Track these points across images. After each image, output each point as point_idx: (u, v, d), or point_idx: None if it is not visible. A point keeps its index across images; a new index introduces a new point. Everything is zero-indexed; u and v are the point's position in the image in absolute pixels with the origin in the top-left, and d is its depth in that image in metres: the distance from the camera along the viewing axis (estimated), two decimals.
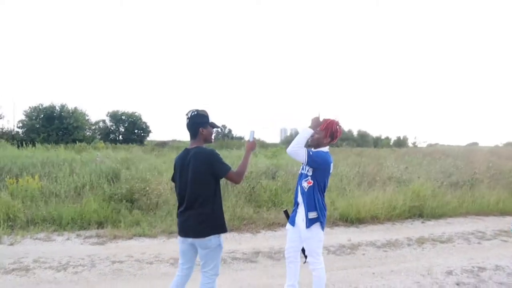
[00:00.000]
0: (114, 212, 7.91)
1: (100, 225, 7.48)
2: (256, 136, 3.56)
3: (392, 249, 6.39)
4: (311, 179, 3.65)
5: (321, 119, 3.81)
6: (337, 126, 3.81)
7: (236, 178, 3.26)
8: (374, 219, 8.23)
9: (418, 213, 8.84)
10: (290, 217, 3.96)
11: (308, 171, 3.71)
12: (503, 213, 9.58)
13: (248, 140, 3.58)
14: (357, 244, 6.59)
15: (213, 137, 3.45)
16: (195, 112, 3.33)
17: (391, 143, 58.52)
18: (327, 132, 3.76)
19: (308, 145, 3.74)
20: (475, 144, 56.35)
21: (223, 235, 3.32)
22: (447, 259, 5.90)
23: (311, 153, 3.62)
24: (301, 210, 3.75)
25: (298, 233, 3.80)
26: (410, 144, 56.73)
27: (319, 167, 3.65)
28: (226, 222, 3.38)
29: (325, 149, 3.80)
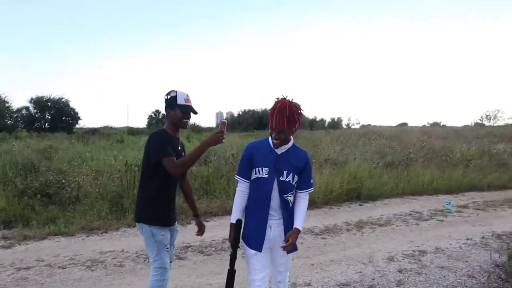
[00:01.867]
0: (27, 209, 6.98)
1: (8, 224, 6.56)
2: (226, 127, 2.80)
3: (331, 236, 6.09)
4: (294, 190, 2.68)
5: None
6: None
7: (171, 167, 2.78)
8: (311, 203, 7.92)
9: (355, 195, 8.70)
10: (251, 237, 2.71)
11: (293, 178, 2.61)
12: (436, 191, 9.73)
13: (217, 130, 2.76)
14: None
15: (184, 121, 2.98)
16: (168, 93, 3.00)
17: (326, 125, 59.92)
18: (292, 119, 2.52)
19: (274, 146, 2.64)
20: (405, 124, 59.08)
21: (156, 228, 2.92)
22: (387, 244, 5.69)
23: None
24: (278, 226, 2.67)
25: (269, 255, 2.72)
26: (344, 126, 58.51)
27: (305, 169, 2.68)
28: (164, 216, 2.99)
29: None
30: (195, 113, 3.03)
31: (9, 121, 39.34)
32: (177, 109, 2.93)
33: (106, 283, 4.34)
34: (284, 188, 2.58)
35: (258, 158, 2.62)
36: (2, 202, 6.93)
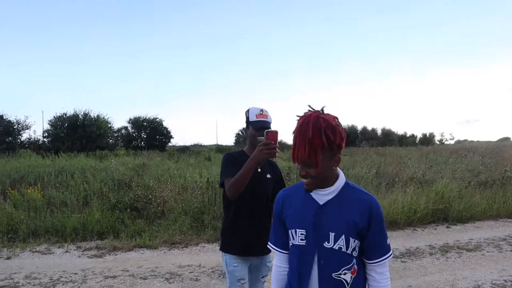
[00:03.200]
0: (118, 222, 7.56)
1: (101, 235, 7.14)
2: (279, 137, 2.42)
3: (411, 260, 5.77)
4: (356, 263, 1.68)
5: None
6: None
7: (226, 189, 2.58)
8: (393, 224, 7.60)
9: (442, 216, 8.16)
10: None
11: (347, 243, 1.64)
12: None
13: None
14: None
15: (258, 139, 2.59)
16: (246, 112, 2.77)
17: (417, 141, 57.08)
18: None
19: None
20: (507, 139, 54.45)
21: (230, 257, 2.68)
22: (474, 271, 5.26)
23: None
24: None
25: None
26: (436, 142, 55.24)
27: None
28: (240, 245, 2.67)
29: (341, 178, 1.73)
30: (269, 128, 2.66)
31: (111, 140, 42.79)
32: (250, 126, 2.70)
33: None
34: (333, 261, 1.60)
35: (290, 214, 1.71)
36: (97, 214, 7.56)
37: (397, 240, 6.81)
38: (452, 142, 56.73)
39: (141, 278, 5.14)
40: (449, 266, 5.48)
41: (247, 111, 2.74)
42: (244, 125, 2.80)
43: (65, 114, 39.60)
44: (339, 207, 1.63)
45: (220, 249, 2.77)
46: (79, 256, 6.15)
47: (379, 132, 57.60)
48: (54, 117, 39.45)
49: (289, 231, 1.71)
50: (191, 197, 8.38)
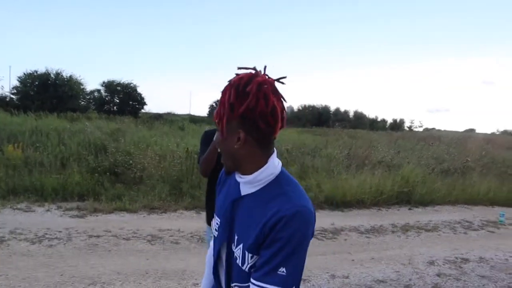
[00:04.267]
0: (97, 185, 7.76)
1: (82, 197, 7.34)
2: None
3: (375, 236, 6.28)
4: None
5: None
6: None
7: (199, 168, 2.84)
8: (360, 203, 8.12)
9: (406, 199, 8.74)
10: None
11: (242, 253, 1.21)
12: (492, 202, 9.50)
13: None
14: (340, 228, 6.48)
15: None
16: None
17: (387, 126, 58.53)
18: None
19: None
20: (472, 130, 56.44)
21: (208, 228, 3.00)
22: (430, 249, 5.80)
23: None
24: None
25: None
26: (406, 128, 56.77)
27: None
28: (208, 214, 3.02)
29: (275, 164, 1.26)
30: None
31: (83, 102, 42.00)
32: None
33: (163, 256, 4.87)
34: (233, 269, 1.25)
35: (220, 194, 1.39)
36: (77, 177, 7.73)
37: (363, 218, 7.33)
38: (421, 129, 58.43)
39: (124, 238, 5.42)
40: (408, 243, 6.02)
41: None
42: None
43: (36, 72, 38.47)
44: (254, 208, 1.18)
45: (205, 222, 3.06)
46: (61, 216, 6.36)
47: (351, 114, 58.73)
48: (24, 73, 38.24)
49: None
50: (170, 165, 8.63)
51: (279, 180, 1.19)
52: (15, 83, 39.24)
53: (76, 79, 40.12)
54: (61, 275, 4.12)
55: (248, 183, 1.21)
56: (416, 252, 5.55)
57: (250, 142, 1.17)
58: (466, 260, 5.36)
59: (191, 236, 5.67)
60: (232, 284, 1.26)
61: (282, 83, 1.19)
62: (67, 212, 6.53)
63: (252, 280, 1.13)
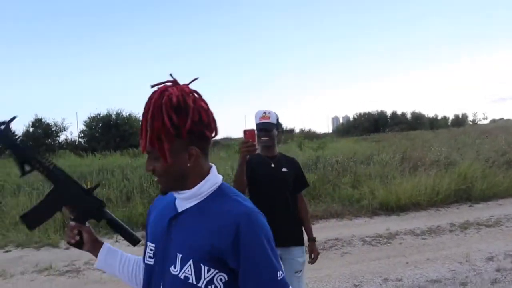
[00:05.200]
0: None
1: (144, 227, 7.83)
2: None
3: (431, 236, 6.19)
4: None
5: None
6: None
7: None
8: (417, 205, 7.99)
9: (465, 196, 8.48)
10: None
11: (197, 273, 1.10)
12: None
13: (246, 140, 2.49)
14: (395, 233, 6.45)
15: (261, 139, 2.80)
16: None
17: (449, 123, 56.10)
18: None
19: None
20: None
21: None
22: (490, 244, 5.64)
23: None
24: None
25: None
26: (469, 122, 54.13)
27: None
28: None
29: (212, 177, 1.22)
30: (268, 130, 2.80)
31: None
32: (256, 128, 2.80)
33: None
34: None
35: (151, 220, 1.34)
36: (140, 208, 8.29)
37: (419, 220, 7.23)
38: (487, 121, 55.38)
39: None
40: (466, 241, 5.88)
41: (255, 114, 2.91)
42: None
43: (99, 115, 41.00)
44: (198, 220, 1.14)
45: None
46: (128, 245, 6.79)
47: (408, 116, 56.92)
48: (89, 117, 40.85)
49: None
50: None
51: (223, 189, 1.18)
52: (82, 127, 42.02)
53: (135, 116, 42.38)
54: None
55: (190, 197, 1.16)
56: (474, 249, 5.42)
57: (199, 156, 1.14)
58: None
59: None
60: None
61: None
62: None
63: None
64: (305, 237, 2.92)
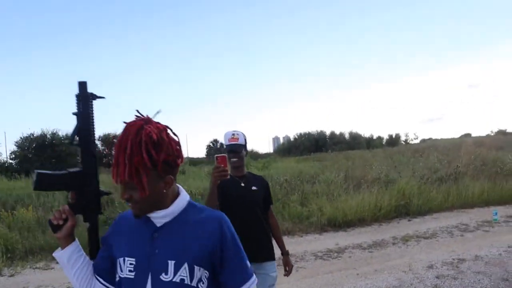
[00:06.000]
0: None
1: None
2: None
3: (377, 249, 6.64)
4: None
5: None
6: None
7: None
8: (362, 221, 8.50)
9: (404, 211, 9.12)
10: None
11: (191, 274, 1.31)
12: (487, 203, 9.90)
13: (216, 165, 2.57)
14: (344, 247, 6.84)
15: (231, 160, 2.92)
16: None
17: (383, 143, 58.94)
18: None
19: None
20: (468, 135, 56.71)
21: None
22: (429, 254, 6.17)
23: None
24: None
25: None
26: (402, 142, 57.18)
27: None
28: None
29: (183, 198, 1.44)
30: (237, 152, 2.92)
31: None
32: (225, 149, 2.97)
33: None
34: None
35: (121, 238, 1.40)
36: (84, 231, 8.10)
37: (364, 235, 7.70)
38: (417, 141, 58.71)
39: None
40: (408, 252, 6.38)
41: (224, 135, 3.00)
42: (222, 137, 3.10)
43: (32, 135, 39.09)
44: (182, 230, 1.33)
45: None
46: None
47: (347, 135, 59.22)
48: (21, 138, 38.70)
49: (117, 260, 1.36)
50: None
51: (192, 203, 1.41)
52: (12, 147, 39.79)
53: None
54: None
55: (166, 216, 1.34)
56: (416, 259, 5.91)
57: (172, 181, 1.34)
58: (462, 260, 5.72)
59: None
60: None
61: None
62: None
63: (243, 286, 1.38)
64: (277, 251, 3.06)
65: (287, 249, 3.13)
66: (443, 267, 5.48)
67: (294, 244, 7.20)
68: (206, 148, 63.59)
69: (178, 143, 1.34)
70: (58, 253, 1.49)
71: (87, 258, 1.49)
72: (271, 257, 2.98)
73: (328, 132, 59.35)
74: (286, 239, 7.72)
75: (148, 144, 1.24)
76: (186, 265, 1.28)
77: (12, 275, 6.53)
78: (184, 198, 1.38)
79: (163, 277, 1.28)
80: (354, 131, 59.81)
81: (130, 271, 1.33)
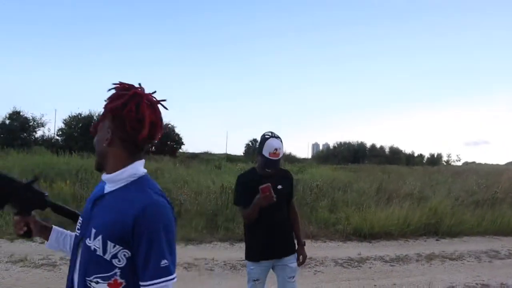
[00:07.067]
0: None
1: None
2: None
3: (399, 264, 6.55)
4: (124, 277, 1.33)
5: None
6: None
7: (243, 217, 3.17)
8: (388, 235, 8.37)
9: (433, 230, 8.91)
10: None
11: (104, 246, 1.31)
12: None
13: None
14: (366, 258, 6.79)
15: (266, 171, 3.00)
16: (264, 134, 3.03)
17: (424, 161, 57.46)
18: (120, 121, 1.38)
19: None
20: None
21: (249, 263, 3.09)
22: (452, 275, 6.03)
23: None
24: None
25: None
26: (443, 162, 55.53)
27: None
28: (256, 251, 3.05)
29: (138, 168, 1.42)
30: (275, 169, 3.00)
31: None
32: (261, 158, 2.97)
33: (199, 280, 5.37)
34: (88, 263, 1.33)
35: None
36: None
37: (389, 248, 7.60)
38: (459, 163, 56.94)
39: None
40: (431, 271, 6.26)
41: (264, 140, 2.96)
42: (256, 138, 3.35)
43: (80, 115, 40.67)
44: (114, 203, 1.34)
45: (246, 258, 3.15)
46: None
47: (387, 150, 58.16)
48: (69, 116, 40.39)
49: None
50: (206, 200, 9.24)
51: (141, 181, 1.37)
52: (60, 125, 41.48)
53: None
54: None
55: (109, 181, 1.38)
56: (437, 279, 5.79)
57: (117, 143, 1.36)
58: (486, 286, 5.57)
59: (224, 264, 6.14)
60: (89, 278, 1.31)
61: (164, 106, 1.43)
62: None
63: (141, 283, 1.28)
64: None
65: (303, 241, 3.22)
66: None
67: (317, 249, 7.21)
68: (245, 147, 64.17)
69: (143, 114, 1.33)
70: (47, 245, 1.64)
71: (73, 233, 1.59)
72: (293, 250, 3.11)
73: (368, 144, 58.61)
74: (309, 243, 7.76)
75: (116, 91, 1.37)
76: (100, 237, 1.29)
77: (42, 242, 6.87)
78: (131, 171, 1.36)
79: (88, 241, 1.33)
80: (395, 146, 58.83)
81: (78, 229, 1.44)
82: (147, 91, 1.39)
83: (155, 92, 1.41)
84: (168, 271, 1.29)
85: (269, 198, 2.74)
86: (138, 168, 1.38)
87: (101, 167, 1.42)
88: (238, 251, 6.90)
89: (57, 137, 40.49)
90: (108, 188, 1.39)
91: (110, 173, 1.37)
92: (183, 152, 44.94)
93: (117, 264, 1.29)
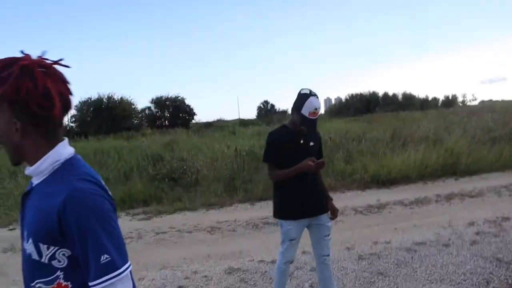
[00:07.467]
0: (158, 190, 8.57)
1: (146, 203, 8.15)
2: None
3: (418, 206, 6.59)
4: (70, 279, 1.16)
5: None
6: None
7: (270, 177, 3.11)
8: (406, 179, 8.39)
9: (451, 170, 8.88)
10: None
11: (37, 248, 1.14)
12: None
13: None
14: (385, 203, 6.84)
15: (302, 128, 2.93)
16: (301, 91, 2.94)
17: (439, 104, 56.61)
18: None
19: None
20: None
21: (286, 222, 3.04)
22: (472, 212, 6.04)
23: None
24: None
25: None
26: (459, 103, 54.69)
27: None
28: (291, 210, 3.01)
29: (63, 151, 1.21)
30: (314, 129, 2.97)
31: (136, 121, 44.18)
32: (298, 116, 2.89)
33: (222, 242, 5.49)
34: (28, 268, 1.19)
35: None
36: (140, 186, 8.59)
37: (407, 192, 7.63)
38: (476, 103, 56.03)
39: (186, 232, 6.11)
40: (451, 210, 6.28)
41: (303, 98, 2.86)
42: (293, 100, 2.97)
43: (90, 99, 40.98)
44: (38, 199, 1.16)
45: (274, 216, 3.14)
46: (130, 220, 7.15)
47: (400, 97, 57.25)
48: (80, 102, 40.76)
49: None
50: (222, 165, 9.32)
51: (64, 168, 1.17)
52: (73, 112, 41.92)
53: (126, 99, 42.33)
54: (137, 263, 4.82)
55: (33, 174, 1.19)
56: (457, 217, 5.82)
57: (29, 131, 1.14)
58: (506, 219, 5.57)
59: (247, 224, 6.25)
60: (34, 283, 1.17)
61: (64, 65, 1.18)
62: (135, 216, 7.32)
63: (90, 282, 1.09)
64: None
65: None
66: (485, 225, 5.37)
67: (336, 200, 7.05)
68: (257, 110, 64.03)
69: (44, 88, 1.10)
70: None
71: None
72: (326, 209, 3.12)
73: (381, 93, 57.74)
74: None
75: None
76: (31, 240, 1.13)
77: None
78: (53, 158, 1.16)
79: (25, 245, 1.18)
80: (408, 92, 57.82)
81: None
82: (33, 56, 1.14)
83: (45, 52, 1.16)
84: (112, 266, 1.09)
85: (313, 169, 2.80)
86: (61, 152, 1.18)
87: (18, 161, 1.21)
88: (258, 210, 7.02)
89: (72, 124, 40.97)
90: (34, 181, 1.20)
91: (32, 165, 1.17)
92: (196, 123, 45.14)
93: (58, 265, 1.13)
